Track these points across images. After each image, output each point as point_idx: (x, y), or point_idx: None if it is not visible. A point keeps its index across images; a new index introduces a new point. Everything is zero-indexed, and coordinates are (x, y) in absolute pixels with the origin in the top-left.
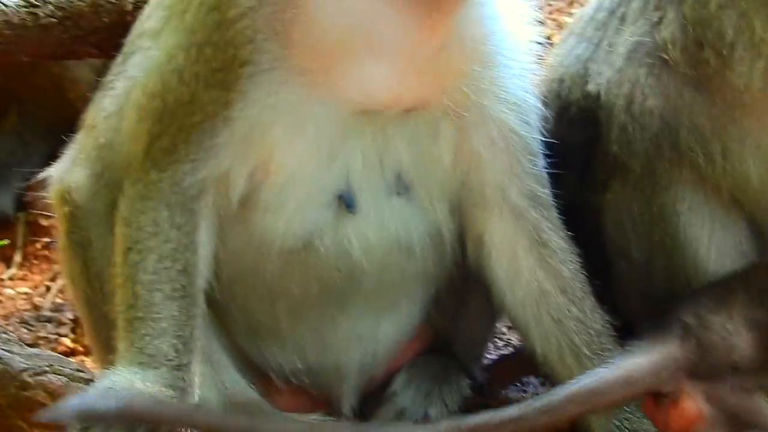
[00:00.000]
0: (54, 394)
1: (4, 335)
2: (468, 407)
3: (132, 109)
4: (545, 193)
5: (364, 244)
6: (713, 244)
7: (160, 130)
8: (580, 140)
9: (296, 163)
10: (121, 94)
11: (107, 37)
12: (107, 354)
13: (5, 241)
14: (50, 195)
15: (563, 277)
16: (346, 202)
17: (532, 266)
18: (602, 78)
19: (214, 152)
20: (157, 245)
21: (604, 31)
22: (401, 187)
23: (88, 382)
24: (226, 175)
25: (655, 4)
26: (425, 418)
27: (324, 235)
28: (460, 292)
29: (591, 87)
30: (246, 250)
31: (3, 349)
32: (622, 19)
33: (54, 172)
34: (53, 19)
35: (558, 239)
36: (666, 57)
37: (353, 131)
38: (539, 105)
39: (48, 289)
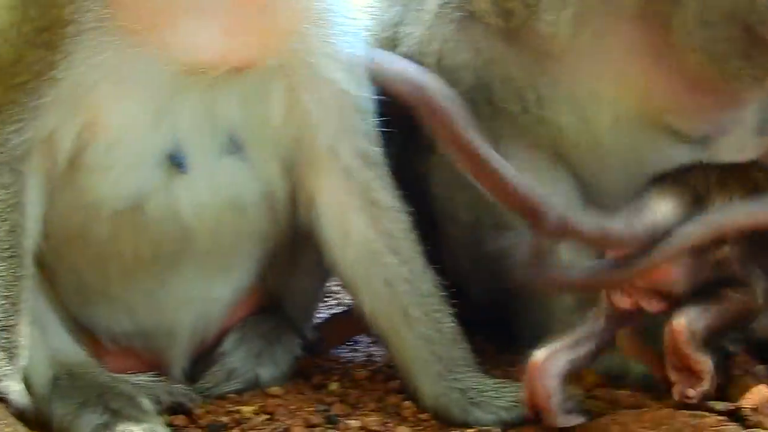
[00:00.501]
0: None
1: None
2: (299, 366)
3: None
4: (376, 152)
5: (195, 205)
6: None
7: None
8: (402, 103)
9: (123, 123)
10: None
11: None
12: None
13: None
14: None
15: (394, 237)
16: (175, 162)
17: (363, 226)
18: (413, 39)
19: (40, 113)
20: None
21: None
22: (233, 146)
23: None
24: (52, 136)
25: None
26: (256, 379)
27: (154, 196)
28: (292, 253)
29: (402, 50)
30: (75, 211)
31: None
32: None
33: None
34: None
35: (389, 199)
36: (474, 10)
37: (182, 90)
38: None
39: None
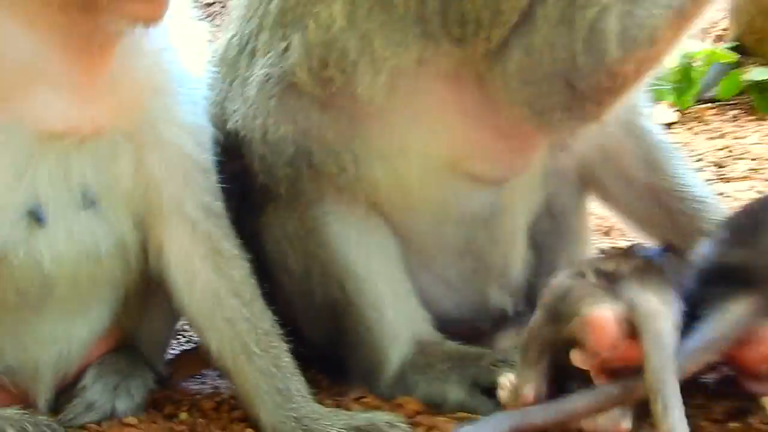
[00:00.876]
0: None
1: None
2: (153, 398)
3: None
4: (218, 206)
5: (55, 256)
6: (360, 247)
7: None
8: (235, 170)
9: None
10: None
11: None
12: None
13: None
14: None
15: (235, 281)
16: (36, 218)
17: (207, 272)
18: (238, 114)
19: None
20: None
21: (235, 70)
22: (88, 202)
23: None
24: None
25: (281, 34)
26: (113, 410)
27: (16, 248)
28: (145, 295)
29: (230, 126)
30: None
31: None
32: (252, 54)
33: None
34: None
35: (230, 247)
36: (294, 81)
37: (39, 153)
38: (211, 128)
39: None
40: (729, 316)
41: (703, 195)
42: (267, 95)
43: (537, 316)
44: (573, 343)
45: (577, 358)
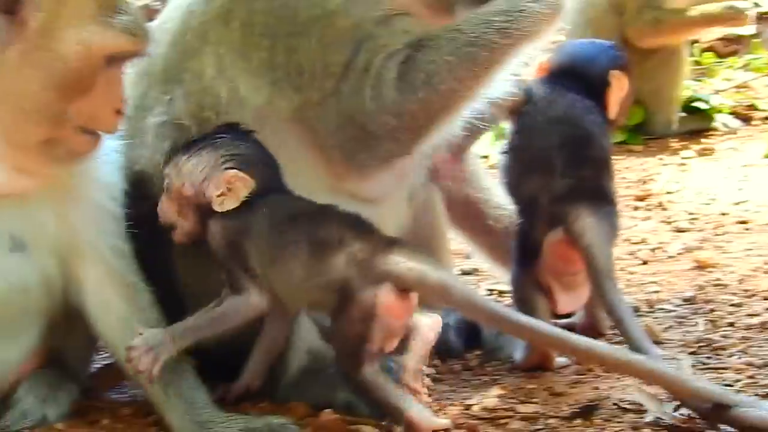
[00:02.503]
0: None
1: None
2: (78, 406)
3: None
4: (126, 247)
5: None
6: None
7: None
8: (145, 210)
9: None
10: None
11: None
12: None
13: None
14: None
15: (143, 309)
16: None
17: (118, 301)
18: (143, 159)
19: None
20: None
21: (135, 123)
22: (18, 246)
23: None
24: None
25: (165, 89)
26: (44, 418)
27: None
28: (69, 319)
29: (137, 168)
30: None
31: None
32: (144, 109)
33: None
34: None
35: (137, 281)
36: (182, 123)
37: None
38: (122, 183)
39: None
40: None
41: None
42: (162, 138)
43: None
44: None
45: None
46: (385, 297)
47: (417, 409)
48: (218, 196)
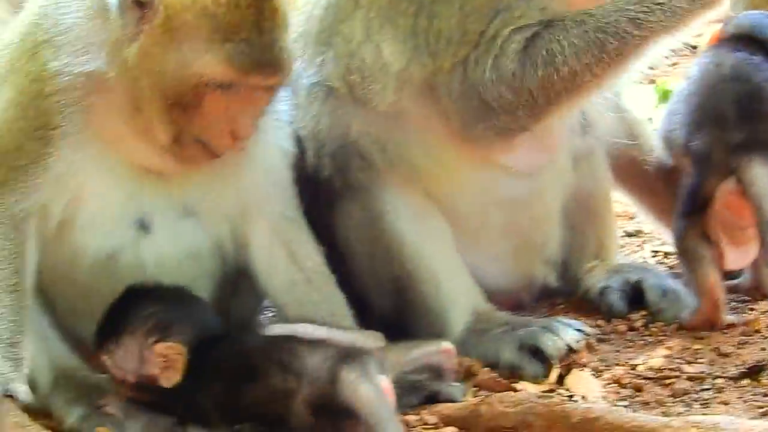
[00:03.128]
0: None
1: None
2: None
3: None
4: (293, 210)
5: (157, 257)
6: (417, 231)
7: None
8: (302, 170)
9: (103, 198)
10: None
11: None
12: None
13: None
14: None
15: (307, 268)
16: (143, 225)
17: (285, 263)
18: (299, 122)
19: (36, 189)
20: None
21: (293, 83)
22: (189, 211)
23: None
24: (45, 206)
25: (318, 50)
26: None
27: (125, 251)
28: (235, 283)
29: (300, 133)
30: (63, 259)
31: None
32: (299, 69)
33: None
34: None
35: (303, 242)
36: (331, 85)
37: (147, 175)
38: (292, 148)
39: None
40: None
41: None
42: (312, 100)
43: None
44: None
45: None
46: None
47: None
48: (161, 374)
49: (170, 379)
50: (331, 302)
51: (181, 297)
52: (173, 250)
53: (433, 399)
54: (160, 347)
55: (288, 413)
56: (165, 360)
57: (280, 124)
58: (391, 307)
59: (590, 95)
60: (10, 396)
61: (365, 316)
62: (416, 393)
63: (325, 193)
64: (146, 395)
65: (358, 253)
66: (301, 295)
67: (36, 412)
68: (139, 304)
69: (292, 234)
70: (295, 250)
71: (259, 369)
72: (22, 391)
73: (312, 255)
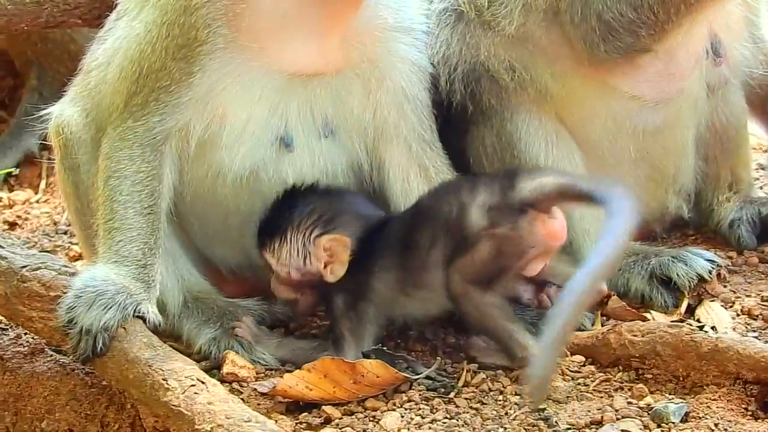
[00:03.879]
0: (46, 285)
1: (9, 240)
2: None
3: (115, 68)
4: (430, 133)
5: (298, 174)
6: (550, 157)
7: (136, 89)
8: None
9: (246, 115)
10: (110, 50)
11: (88, 11)
12: (92, 254)
13: (11, 169)
14: (49, 128)
15: None
16: (285, 143)
17: (420, 185)
18: (431, 48)
19: (178, 109)
20: (131, 174)
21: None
22: (328, 130)
23: (73, 275)
24: (187, 125)
25: None
26: None
27: (267, 167)
28: None
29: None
30: (204, 178)
31: (8, 251)
32: None
33: (54, 110)
34: None
35: (439, 165)
36: (459, 9)
37: (289, 91)
38: (429, 67)
39: (64, 209)
40: None
41: None
42: (442, 25)
43: None
44: None
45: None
46: (539, 225)
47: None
48: (325, 268)
49: (335, 272)
50: None
51: (341, 192)
52: (312, 169)
53: None
54: (325, 240)
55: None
56: (330, 253)
57: (418, 43)
58: None
59: (710, 9)
60: (141, 317)
61: None
62: None
63: (457, 118)
64: (310, 295)
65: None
66: None
67: (166, 334)
68: (302, 200)
69: (429, 157)
70: (432, 174)
71: (432, 210)
72: (153, 312)
73: (447, 178)
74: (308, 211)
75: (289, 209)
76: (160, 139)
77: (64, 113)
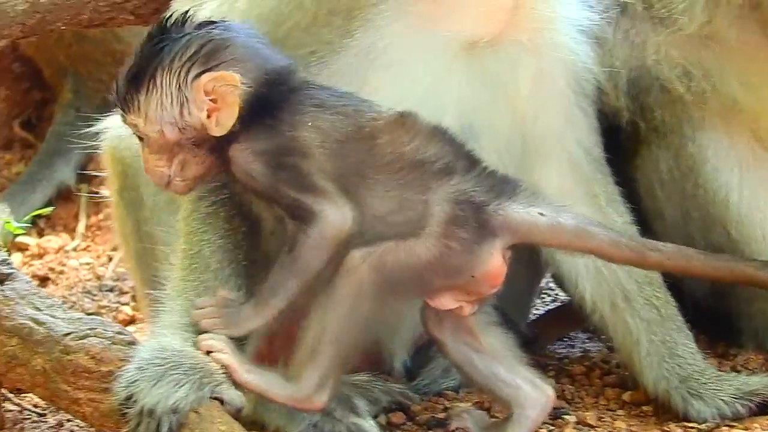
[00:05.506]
0: (96, 357)
1: (47, 300)
2: None
3: None
4: (597, 148)
5: None
6: (743, 185)
7: None
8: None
9: (394, 96)
10: None
11: (142, 4)
12: (157, 317)
13: (43, 210)
14: (103, 152)
15: (617, 225)
16: None
17: (581, 211)
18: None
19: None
20: (228, 200)
21: None
22: (471, 134)
23: (130, 344)
24: None
25: None
26: None
27: None
28: None
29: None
30: None
31: (46, 314)
32: None
33: (108, 124)
34: None
35: (610, 192)
36: (627, 2)
37: (451, 66)
38: (594, 69)
39: (110, 259)
40: None
41: None
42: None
43: None
44: None
45: None
46: (495, 260)
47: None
48: (209, 118)
49: (222, 122)
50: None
51: (228, 26)
52: None
53: None
54: (206, 79)
55: None
56: (213, 97)
57: (583, 38)
58: (706, 287)
59: None
60: (219, 398)
61: (672, 292)
62: None
63: (625, 139)
64: (194, 160)
65: (668, 214)
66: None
67: (249, 420)
68: (174, 34)
69: (599, 181)
70: (603, 203)
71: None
72: (236, 394)
73: (620, 209)
74: (182, 45)
75: (158, 46)
76: None
77: (124, 135)
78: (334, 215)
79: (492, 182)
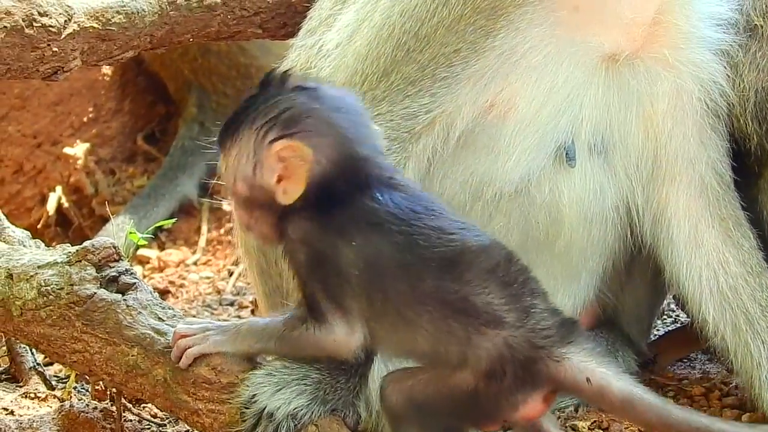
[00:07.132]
0: (217, 369)
1: (169, 310)
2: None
3: (368, 37)
4: (728, 172)
5: (572, 201)
6: None
7: (405, 57)
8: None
9: (538, 104)
10: (352, 22)
11: (272, 18)
12: None
13: (165, 221)
14: None
15: (743, 249)
16: (567, 154)
17: (714, 237)
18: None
19: (458, 87)
20: None
21: None
22: (601, 147)
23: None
24: (453, 113)
25: None
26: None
27: (541, 185)
28: (628, 267)
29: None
30: (455, 191)
31: (167, 324)
32: None
33: None
34: (217, 0)
35: (739, 215)
36: (753, 23)
37: (590, 76)
38: (725, 84)
39: (230, 273)
40: None
41: None
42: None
43: None
44: None
45: None
46: (532, 406)
47: None
48: (277, 182)
49: (289, 193)
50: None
51: (325, 94)
52: (585, 197)
53: None
54: (279, 146)
55: None
56: (285, 165)
57: (719, 58)
58: None
59: None
60: (341, 417)
61: None
62: None
63: (751, 162)
64: (264, 224)
65: None
66: (732, 279)
67: None
68: (269, 92)
69: (728, 206)
70: (731, 227)
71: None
72: (357, 415)
73: (748, 232)
74: (268, 105)
75: (252, 100)
76: (417, 131)
77: None
78: (341, 335)
79: (549, 326)
